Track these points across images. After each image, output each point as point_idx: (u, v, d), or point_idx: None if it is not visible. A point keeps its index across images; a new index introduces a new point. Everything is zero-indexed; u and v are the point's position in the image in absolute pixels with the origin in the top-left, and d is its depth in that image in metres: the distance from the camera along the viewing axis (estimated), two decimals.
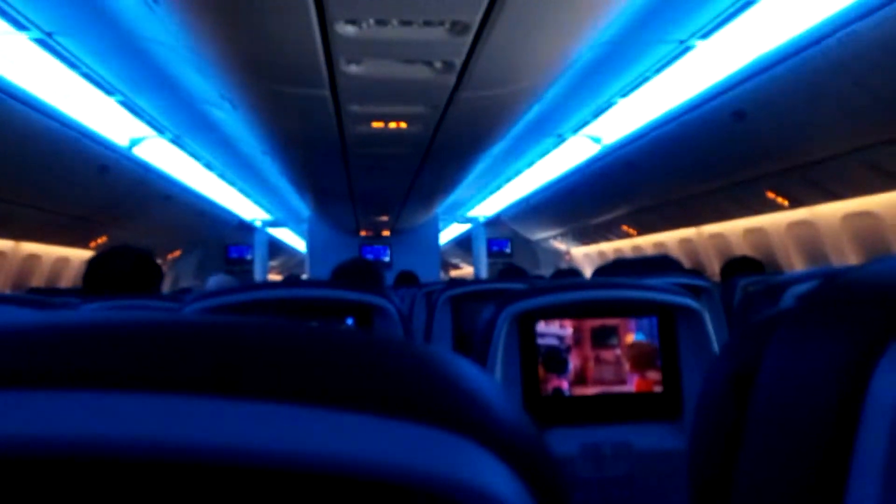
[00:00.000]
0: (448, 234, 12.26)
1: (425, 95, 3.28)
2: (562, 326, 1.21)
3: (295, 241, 12.76)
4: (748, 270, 3.47)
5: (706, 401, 0.43)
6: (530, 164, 7.26)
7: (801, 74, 3.25)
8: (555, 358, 1.21)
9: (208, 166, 7.02)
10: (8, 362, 0.21)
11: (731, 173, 4.81)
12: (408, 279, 5.22)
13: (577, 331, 1.22)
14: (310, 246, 9.49)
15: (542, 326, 1.21)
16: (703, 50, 3.75)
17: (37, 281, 6.27)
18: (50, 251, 6.41)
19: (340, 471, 0.21)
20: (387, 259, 9.37)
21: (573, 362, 1.22)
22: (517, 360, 1.21)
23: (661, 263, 2.31)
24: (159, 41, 3.64)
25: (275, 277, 13.41)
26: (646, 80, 4.28)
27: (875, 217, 4.25)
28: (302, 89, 3.18)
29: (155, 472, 0.20)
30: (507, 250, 11.10)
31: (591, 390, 1.22)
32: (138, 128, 5.35)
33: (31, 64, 3.80)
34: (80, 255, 6.80)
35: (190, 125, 5.55)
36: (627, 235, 7.99)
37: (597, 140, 5.78)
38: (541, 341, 1.21)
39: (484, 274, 10.58)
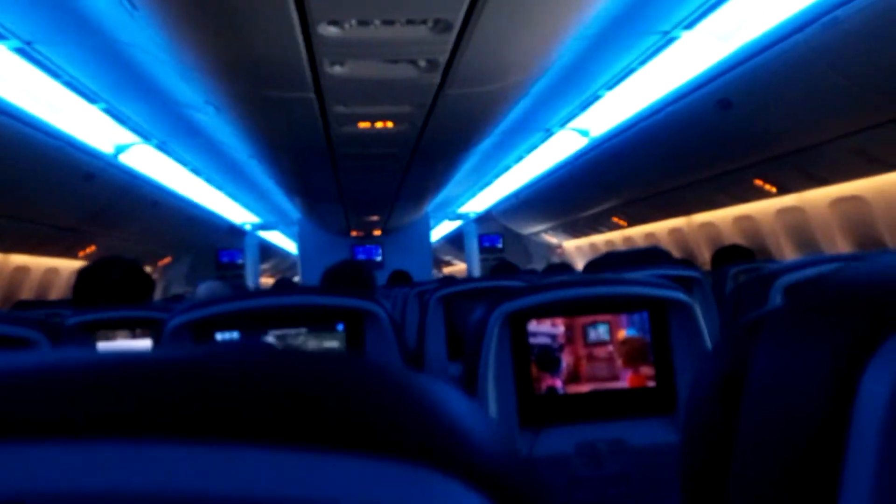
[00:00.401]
0: (439, 231, 12.26)
1: (411, 94, 3.27)
2: (553, 324, 1.21)
3: (286, 243, 12.72)
4: (738, 258, 3.49)
5: (696, 402, 0.42)
6: (519, 159, 7.26)
7: (785, 62, 3.26)
8: (547, 356, 1.21)
9: (195, 171, 6.98)
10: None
11: (719, 162, 4.83)
12: (401, 278, 5.22)
13: (568, 328, 1.21)
14: (301, 248, 9.46)
15: (533, 325, 1.21)
16: (687, 40, 3.76)
17: (26, 293, 6.22)
18: (39, 262, 6.36)
19: None
20: (379, 259, 9.36)
21: (566, 360, 1.21)
22: (510, 360, 1.20)
23: (651, 255, 2.32)
24: (141, 47, 3.61)
25: (267, 281, 13.37)
26: (631, 71, 4.28)
27: (863, 201, 4.27)
28: (286, 92, 3.16)
29: None
30: (499, 245, 11.11)
31: (584, 388, 1.21)
32: (123, 135, 5.31)
33: (12, 74, 3.76)
34: (69, 266, 6.75)
35: (175, 131, 5.51)
36: (618, 227, 8.01)
37: (584, 133, 5.79)
38: (533, 340, 1.21)
39: (476, 270, 10.59)
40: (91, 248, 6.72)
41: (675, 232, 6.88)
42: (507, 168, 7.82)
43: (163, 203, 7.00)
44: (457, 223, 11.52)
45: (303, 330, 1.21)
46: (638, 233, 7.66)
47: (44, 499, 0.19)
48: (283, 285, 6.19)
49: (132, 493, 0.19)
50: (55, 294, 6.70)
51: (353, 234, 9.32)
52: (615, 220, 7.78)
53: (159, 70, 4.00)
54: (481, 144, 4.80)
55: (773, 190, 4.88)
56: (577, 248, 9.87)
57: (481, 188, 9.27)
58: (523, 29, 2.50)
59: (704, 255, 6.22)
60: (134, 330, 1.77)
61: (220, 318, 1.14)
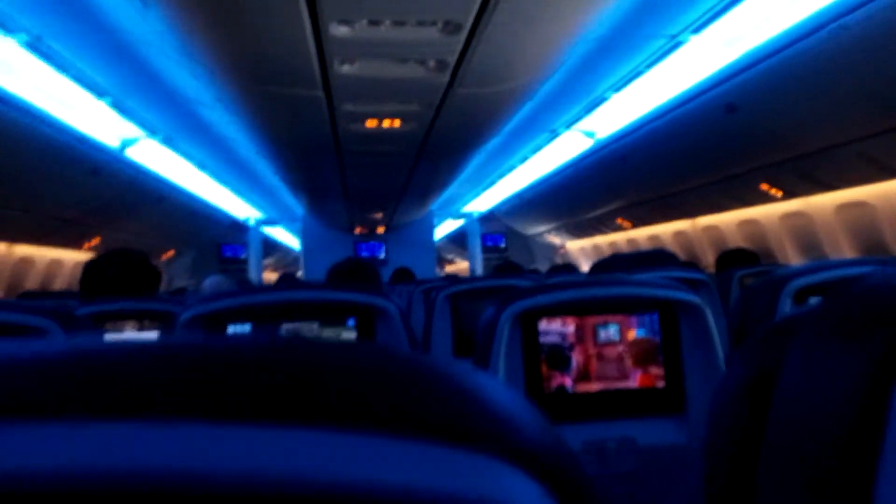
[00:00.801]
0: (442, 230, 12.26)
1: (419, 94, 3.28)
2: (564, 324, 1.22)
3: (289, 239, 12.73)
4: (743, 262, 3.49)
5: (721, 405, 0.43)
6: (524, 159, 7.26)
7: (792, 67, 3.27)
8: (557, 355, 1.22)
9: (201, 166, 6.99)
10: (23, 393, 0.20)
11: (725, 166, 4.83)
12: (404, 276, 5.22)
13: (579, 328, 1.22)
14: (304, 244, 9.47)
15: (543, 324, 1.22)
16: (694, 44, 3.76)
17: (31, 284, 6.24)
18: (43, 254, 6.38)
19: (366, 495, 0.20)
20: (382, 256, 9.36)
21: (576, 359, 1.22)
22: (520, 359, 1.21)
23: (658, 258, 2.32)
24: (150, 43, 3.62)
25: (269, 276, 13.38)
26: (638, 74, 4.28)
27: (869, 207, 4.27)
28: (295, 90, 3.17)
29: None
30: (502, 245, 11.11)
31: (594, 387, 1.22)
32: (130, 129, 5.31)
33: (20, 68, 3.77)
34: (73, 257, 6.77)
35: (182, 126, 5.52)
36: (622, 229, 8.01)
37: (590, 135, 5.79)
38: (543, 339, 1.22)
39: (479, 269, 10.59)
40: (96, 241, 6.74)
41: (679, 235, 6.88)
42: (512, 168, 7.82)
43: (168, 197, 7.02)
44: (460, 222, 11.51)
45: (315, 324, 1.23)
46: (642, 235, 7.66)
47: (102, 476, 0.19)
48: (287, 280, 6.20)
49: (213, 473, 0.20)
50: (59, 285, 6.72)
51: (357, 231, 9.32)
52: (619, 221, 7.78)
53: (167, 65, 4.01)
54: (487, 144, 4.80)
55: (779, 194, 4.89)
56: (581, 250, 9.87)
57: (486, 188, 9.27)
58: (532, 31, 2.51)
59: (708, 259, 6.22)
60: (142, 321, 1.78)
61: (232, 311, 1.15)
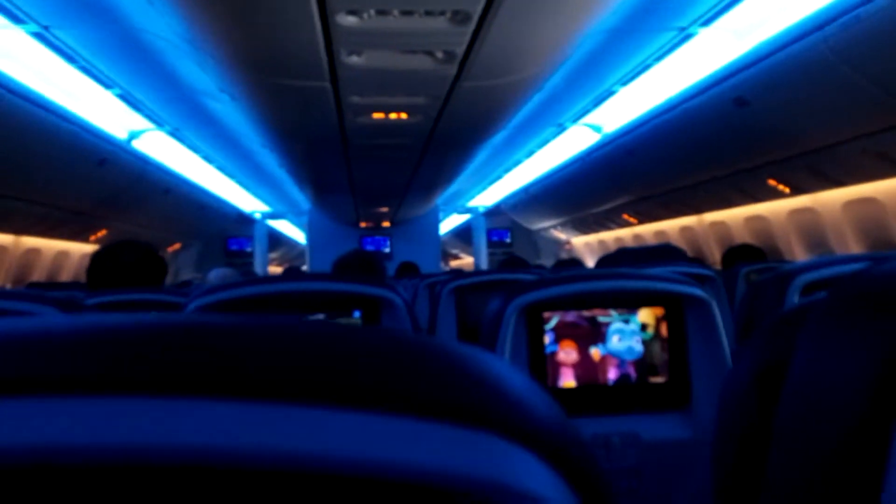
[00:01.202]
0: (448, 224, 12.26)
1: (426, 86, 3.27)
2: (569, 317, 1.21)
3: (294, 232, 12.75)
4: (749, 258, 3.47)
5: (730, 396, 0.42)
6: (530, 153, 7.24)
7: (802, 61, 3.24)
8: (562, 349, 1.22)
9: (207, 159, 7.00)
10: (22, 369, 0.21)
11: (733, 161, 4.80)
12: (409, 270, 5.23)
13: (583, 321, 1.22)
14: (310, 237, 9.48)
15: (549, 317, 1.21)
16: (704, 37, 3.73)
17: (38, 275, 6.27)
18: (50, 245, 6.41)
19: (379, 474, 0.20)
20: (387, 250, 9.37)
21: (580, 353, 1.22)
22: (525, 352, 1.21)
23: (664, 252, 2.31)
24: (158, 34, 3.62)
25: (275, 269, 13.41)
26: (647, 67, 4.26)
27: (877, 204, 4.24)
28: (302, 81, 3.17)
29: (198, 478, 0.20)
30: (507, 240, 11.10)
31: (598, 381, 1.22)
32: (137, 121, 5.33)
33: (29, 58, 3.78)
34: (80, 249, 6.80)
35: (189, 118, 5.53)
36: (628, 224, 7.98)
37: (597, 129, 5.77)
38: (548, 332, 1.21)
39: (484, 264, 10.58)
40: (102, 233, 6.77)
41: (685, 230, 6.86)
42: (518, 162, 7.80)
43: (174, 189, 7.03)
44: (465, 216, 11.50)
45: (321, 315, 1.22)
46: (648, 230, 7.64)
47: (130, 450, 0.19)
48: (292, 273, 6.21)
49: (224, 447, 0.20)
50: (66, 276, 6.75)
51: (363, 224, 9.33)
52: (625, 217, 7.76)
53: (174, 57, 4.01)
54: (494, 138, 4.79)
55: (787, 190, 4.86)
56: (587, 245, 9.85)
57: (491, 182, 9.26)
58: (540, 22, 2.50)
59: (715, 255, 6.20)
60: (149, 313, 1.78)
61: (238, 302, 1.15)
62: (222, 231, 10.21)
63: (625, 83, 4.60)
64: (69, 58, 3.89)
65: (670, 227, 7.10)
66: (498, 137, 4.93)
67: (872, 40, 2.82)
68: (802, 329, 0.36)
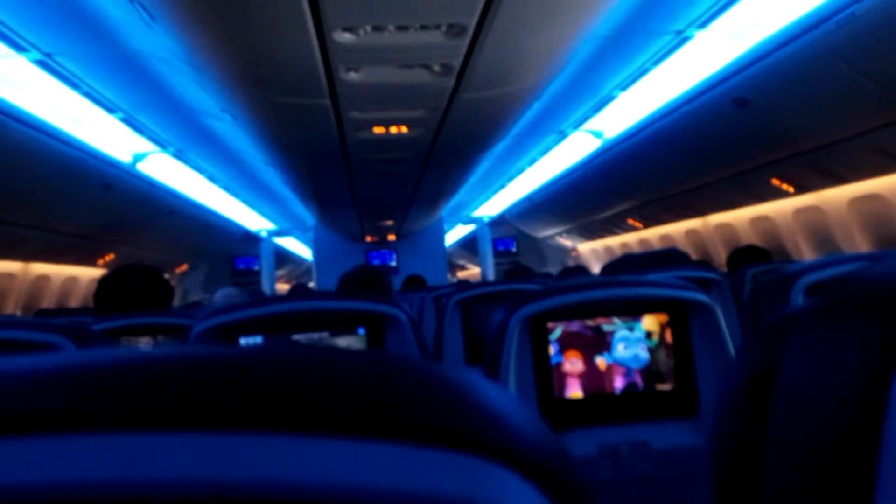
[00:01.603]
0: (453, 235, 12.27)
1: (425, 99, 3.28)
2: (574, 327, 1.21)
3: (301, 249, 12.79)
4: (755, 259, 3.46)
5: (725, 403, 0.42)
6: (532, 161, 7.25)
7: (801, 59, 3.24)
8: (568, 359, 1.21)
9: (212, 179, 7.05)
10: (40, 406, 0.21)
11: (736, 162, 4.79)
12: (415, 283, 5.23)
13: (588, 330, 1.21)
14: (316, 254, 9.50)
15: (553, 327, 1.21)
16: (701, 39, 3.74)
17: (47, 302, 6.30)
18: (59, 271, 6.44)
19: (363, 500, 0.20)
20: (393, 264, 9.38)
21: (586, 363, 1.21)
22: (530, 363, 1.20)
23: (669, 257, 2.30)
24: (158, 57, 3.66)
25: (282, 287, 13.44)
26: (645, 72, 4.27)
27: (882, 200, 4.22)
28: (302, 99, 3.19)
29: None
30: (513, 249, 11.09)
31: (605, 390, 1.21)
32: (141, 144, 5.37)
33: (32, 85, 3.82)
34: (88, 274, 6.83)
35: (192, 139, 5.57)
36: (633, 229, 7.97)
37: (598, 135, 5.77)
38: (553, 342, 1.21)
39: (491, 274, 10.57)
40: (110, 256, 6.80)
41: (691, 233, 6.83)
42: (521, 171, 7.81)
43: (180, 211, 7.07)
44: (470, 227, 11.51)
45: (325, 334, 1.23)
46: (654, 235, 7.62)
47: (117, 488, 0.20)
48: (299, 291, 6.23)
49: (218, 481, 0.20)
50: (75, 302, 6.79)
51: (368, 239, 9.35)
52: (630, 222, 7.74)
53: (176, 79, 4.05)
54: (495, 148, 4.80)
55: (791, 189, 4.84)
56: (592, 251, 9.83)
57: (495, 192, 9.27)
58: (537, 31, 2.51)
59: (721, 257, 6.17)
60: (156, 336, 1.79)
61: (244, 323, 1.16)
62: (229, 250, 10.26)
63: (624, 88, 4.61)
64: (72, 84, 3.93)
65: (676, 230, 7.08)
66: (499, 147, 4.94)
67: (869, 37, 2.82)
68: (792, 333, 0.36)
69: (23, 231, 5.12)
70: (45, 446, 0.20)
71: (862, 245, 4.55)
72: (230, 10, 2.22)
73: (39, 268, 6.09)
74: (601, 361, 1.21)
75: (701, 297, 1.17)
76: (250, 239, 10.30)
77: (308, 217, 9.06)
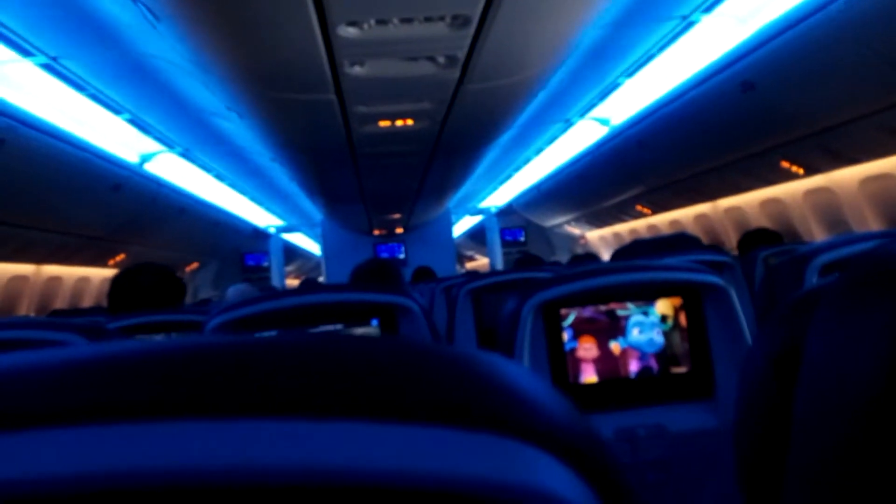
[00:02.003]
0: (461, 226, 12.25)
1: (430, 91, 3.28)
2: (587, 313, 1.21)
3: (309, 244, 12.82)
4: (766, 242, 3.44)
5: (748, 383, 0.42)
6: (539, 150, 7.23)
7: (808, 41, 3.21)
8: (581, 344, 1.21)
9: (219, 177, 7.07)
10: (86, 396, 0.21)
11: (744, 145, 4.76)
12: (425, 275, 5.23)
13: (601, 316, 1.21)
14: (325, 248, 9.53)
15: (566, 314, 1.21)
16: (707, 24, 3.71)
17: (60, 302, 6.36)
18: (71, 272, 6.50)
19: (403, 484, 0.21)
20: (402, 256, 9.39)
21: (600, 348, 1.22)
22: (544, 350, 1.21)
23: (680, 241, 2.30)
24: (163, 58, 3.66)
25: (292, 282, 13.49)
26: (651, 58, 4.24)
27: (893, 179, 4.19)
28: (307, 95, 3.19)
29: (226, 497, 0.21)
30: (521, 239, 11.07)
31: (620, 375, 1.21)
32: (148, 144, 5.39)
33: (39, 89, 3.85)
34: (100, 274, 6.88)
35: (199, 138, 5.59)
36: (642, 215, 7.94)
37: (605, 122, 5.74)
38: (566, 328, 1.21)
39: (499, 264, 10.57)
40: (121, 256, 6.85)
41: (701, 218, 6.80)
42: (528, 160, 7.79)
43: (189, 210, 7.11)
44: (478, 218, 11.50)
45: (339, 326, 1.23)
46: (663, 220, 7.59)
47: (159, 475, 0.20)
48: (309, 285, 6.25)
49: (264, 467, 0.20)
50: (87, 302, 6.84)
51: (376, 232, 9.36)
52: (639, 208, 7.71)
53: (181, 79, 4.06)
54: (501, 138, 4.79)
55: (801, 171, 4.80)
56: (601, 238, 9.80)
57: (502, 182, 9.25)
58: (541, 20, 2.50)
59: (732, 241, 6.14)
60: (170, 333, 1.80)
61: (258, 318, 1.17)
62: (238, 247, 10.30)
63: (630, 75, 4.58)
64: (78, 86, 3.95)
65: (685, 215, 7.04)
66: (505, 137, 4.93)
67: (877, 17, 2.79)
68: (817, 310, 0.36)
69: (35, 234, 5.16)
70: (84, 436, 0.20)
71: (873, 225, 4.52)
72: (234, 9, 2.23)
73: (51, 269, 6.14)
74: (615, 346, 1.22)
75: (715, 279, 1.17)
76: (259, 235, 10.33)
77: (315, 212, 9.08)
